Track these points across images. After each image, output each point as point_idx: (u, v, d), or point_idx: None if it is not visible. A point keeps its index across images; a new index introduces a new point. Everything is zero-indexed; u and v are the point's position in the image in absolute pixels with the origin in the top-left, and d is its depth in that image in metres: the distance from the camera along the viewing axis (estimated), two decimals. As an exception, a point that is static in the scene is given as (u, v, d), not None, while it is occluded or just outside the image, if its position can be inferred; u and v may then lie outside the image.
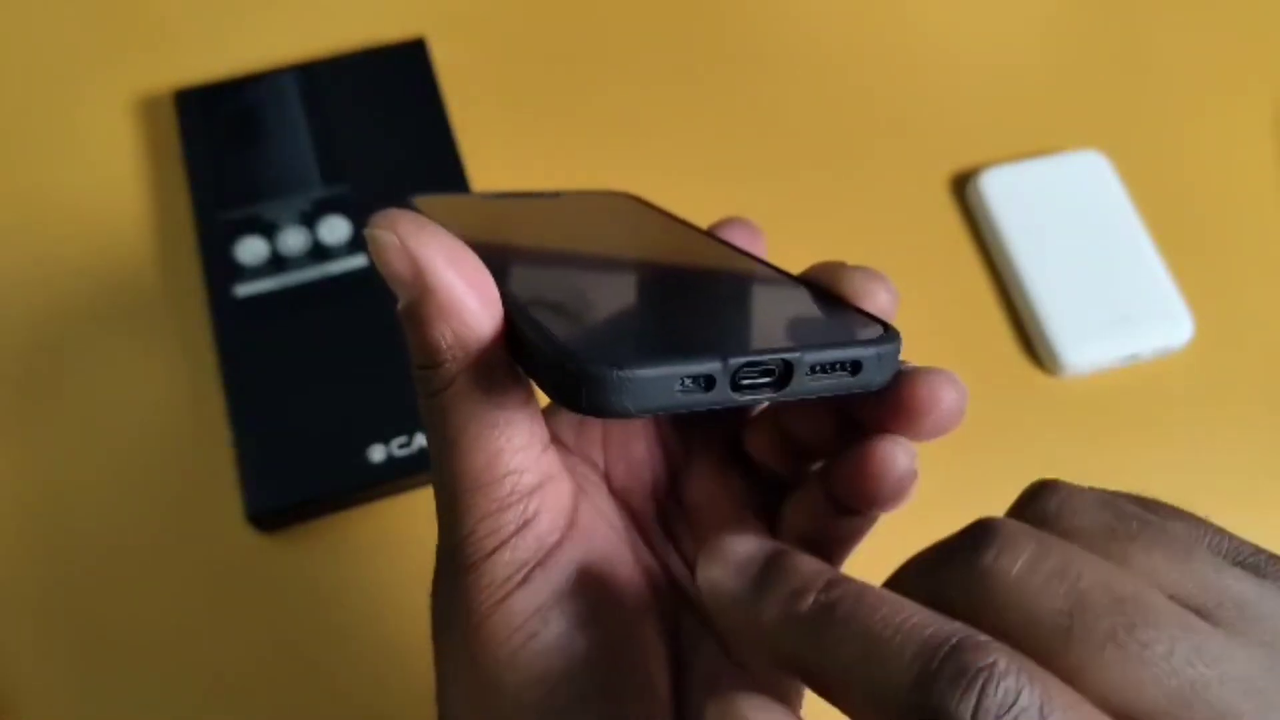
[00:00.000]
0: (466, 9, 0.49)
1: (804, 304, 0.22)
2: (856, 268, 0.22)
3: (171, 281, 0.42)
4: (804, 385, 0.18)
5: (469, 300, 0.18)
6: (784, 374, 0.18)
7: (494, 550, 0.19)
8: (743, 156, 0.46)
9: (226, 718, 0.35)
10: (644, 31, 0.49)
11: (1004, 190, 0.44)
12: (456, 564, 0.20)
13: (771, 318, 0.21)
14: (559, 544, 0.20)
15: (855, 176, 0.46)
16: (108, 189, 0.44)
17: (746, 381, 0.18)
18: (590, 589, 0.20)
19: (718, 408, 0.18)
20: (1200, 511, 0.29)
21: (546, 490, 0.20)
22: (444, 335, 0.18)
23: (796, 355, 0.18)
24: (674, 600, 0.23)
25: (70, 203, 0.44)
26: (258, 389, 0.38)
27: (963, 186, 0.46)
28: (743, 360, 0.17)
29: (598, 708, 0.19)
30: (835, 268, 0.22)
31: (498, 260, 0.20)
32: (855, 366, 0.19)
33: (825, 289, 0.22)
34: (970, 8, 0.52)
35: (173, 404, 0.40)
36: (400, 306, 0.19)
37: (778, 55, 0.49)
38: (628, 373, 0.16)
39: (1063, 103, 0.49)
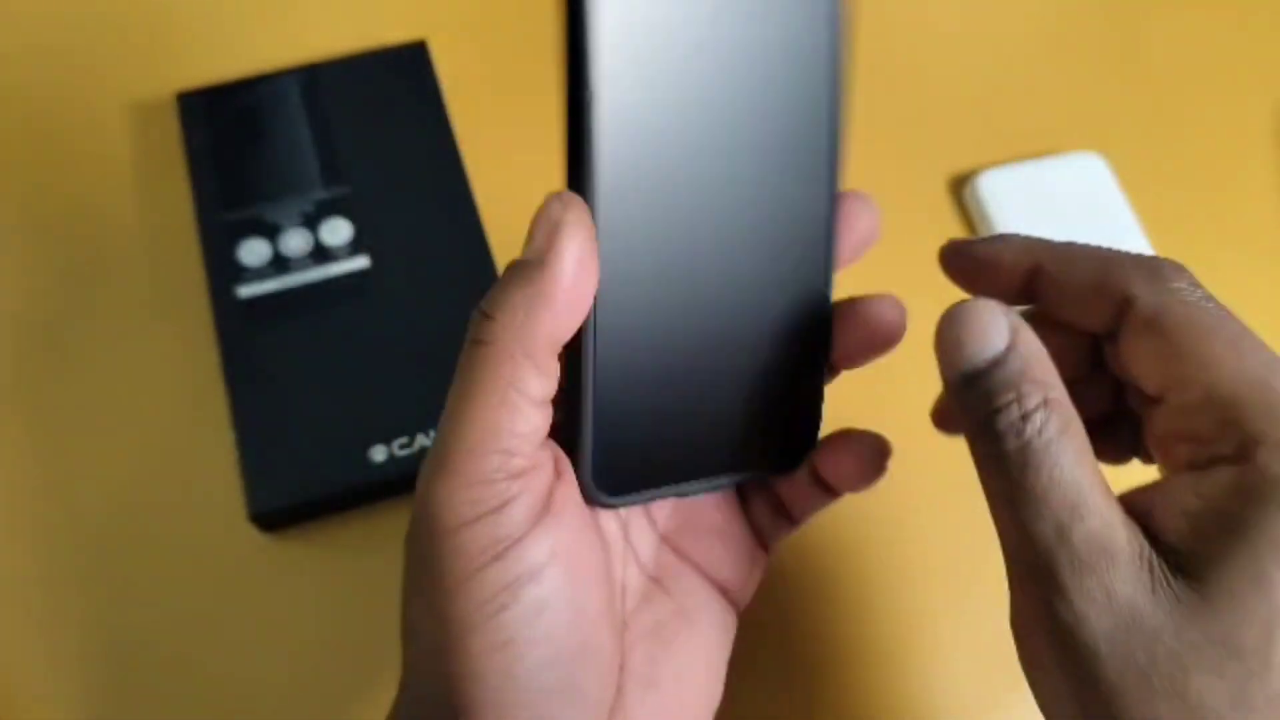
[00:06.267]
0: (468, 12, 0.50)
1: (757, 404, 0.25)
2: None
3: (173, 282, 0.42)
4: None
5: (556, 300, 0.20)
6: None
7: (474, 520, 0.20)
8: (742, 158, 0.47)
9: (226, 718, 0.35)
10: (644, 34, 0.49)
11: (1002, 192, 0.45)
12: (435, 527, 0.21)
13: (715, 434, 0.25)
14: (535, 526, 0.21)
15: (853, 178, 0.46)
16: (109, 191, 0.45)
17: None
18: (560, 569, 0.21)
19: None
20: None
21: (530, 476, 0.21)
22: (518, 303, 0.20)
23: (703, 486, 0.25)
24: (624, 560, 0.26)
25: (72, 204, 0.44)
26: (260, 389, 0.38)
27: (961, 188, 0.46)
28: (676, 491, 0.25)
29: (555, 674, 0.21)
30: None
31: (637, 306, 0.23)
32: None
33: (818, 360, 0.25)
34: (968, 10, 0.52)
35: (175, 404, 0.40)
36: (521, 256, 0.21)
37: (777, 57, 0.49)
38: (599, 496, 0.24)
39: (1060, 104, 0.49)
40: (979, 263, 0.25)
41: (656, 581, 0.26)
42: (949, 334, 0.21)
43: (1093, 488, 0.20)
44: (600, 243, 0.21)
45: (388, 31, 0.48)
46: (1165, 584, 0.19)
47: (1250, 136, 0.48)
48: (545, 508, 0.21)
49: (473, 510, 0.20)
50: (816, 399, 0.25)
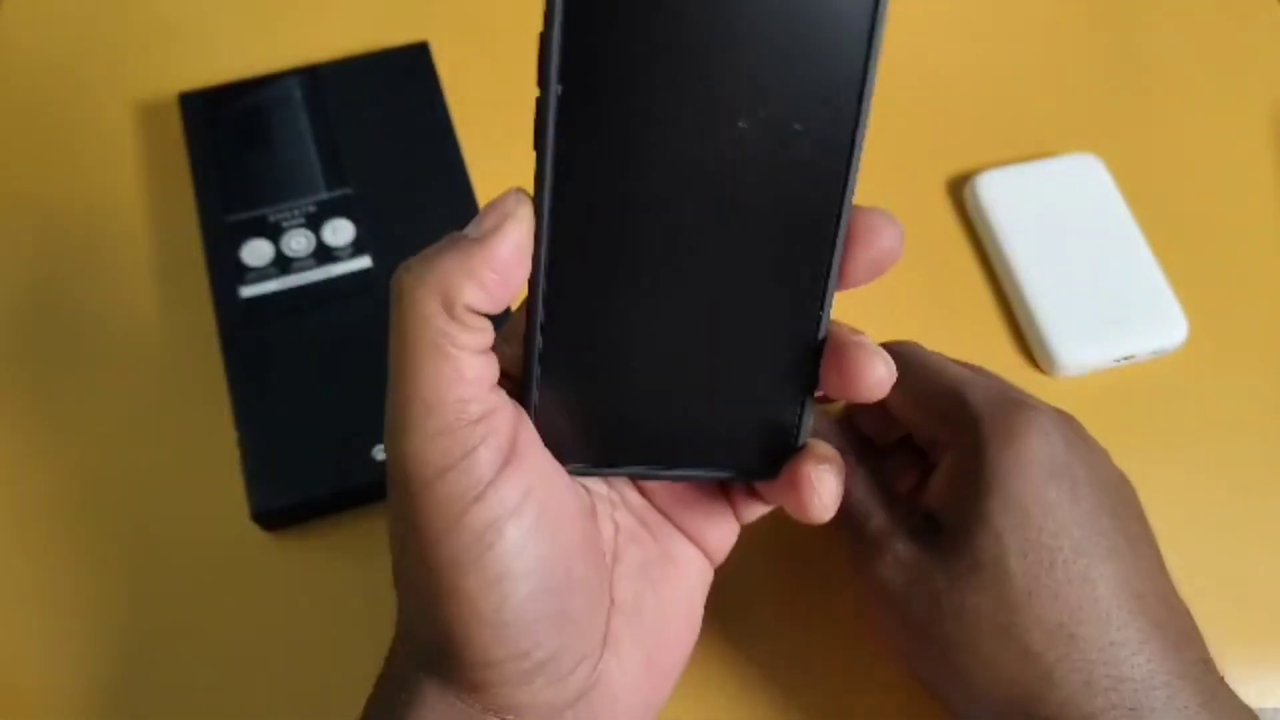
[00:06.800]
0: (470, 13, 0.50)
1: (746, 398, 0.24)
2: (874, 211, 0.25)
3: (176, 282, 0.43)
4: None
5: (481, 275, 0.21)
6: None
7: (445, 471, 0.21)
8: (742, 159, 0.47)
9: (229, 716, 0.35)
10: (644, 35, 0.50)
11: (1000, 193, 0.45)
12: (411, 482, 0.22)
13: (695, 418, 0.24)
14: (505, 468, 0.22)
15: (853, 179, 0.47)
16: (113, 191, 0.45)
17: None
18: (538, 502, 0.22)
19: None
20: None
21: (491, 420, 0.22)
22: (443, 265, 0.21)
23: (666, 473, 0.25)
24: (612, 501, 0.27)
25: (75, 205, 0.44)
26: (262, 388, 0.38)
27: (959, 189, 0.46)
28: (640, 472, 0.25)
29: (547, 603, 0.22)
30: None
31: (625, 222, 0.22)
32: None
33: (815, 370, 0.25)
34: (966, 12, 0.52)
35: (178, 404, 0.40)
36: (468, 228, 0.22)
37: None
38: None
39: (1058, 106, 0.49)
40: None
41: (644, 524, 0.27)
42: None
43: (876, 503, 0.29)
44: (559, 227, 0.22)
45: (390, 33, 0.48)
46: (934, 542, 0.28)
47: (1247, 138, 0.49)
48: (512, 449, 0.22)
49: (443, 460, 0.21)
50: (799, 411, 0.24)
